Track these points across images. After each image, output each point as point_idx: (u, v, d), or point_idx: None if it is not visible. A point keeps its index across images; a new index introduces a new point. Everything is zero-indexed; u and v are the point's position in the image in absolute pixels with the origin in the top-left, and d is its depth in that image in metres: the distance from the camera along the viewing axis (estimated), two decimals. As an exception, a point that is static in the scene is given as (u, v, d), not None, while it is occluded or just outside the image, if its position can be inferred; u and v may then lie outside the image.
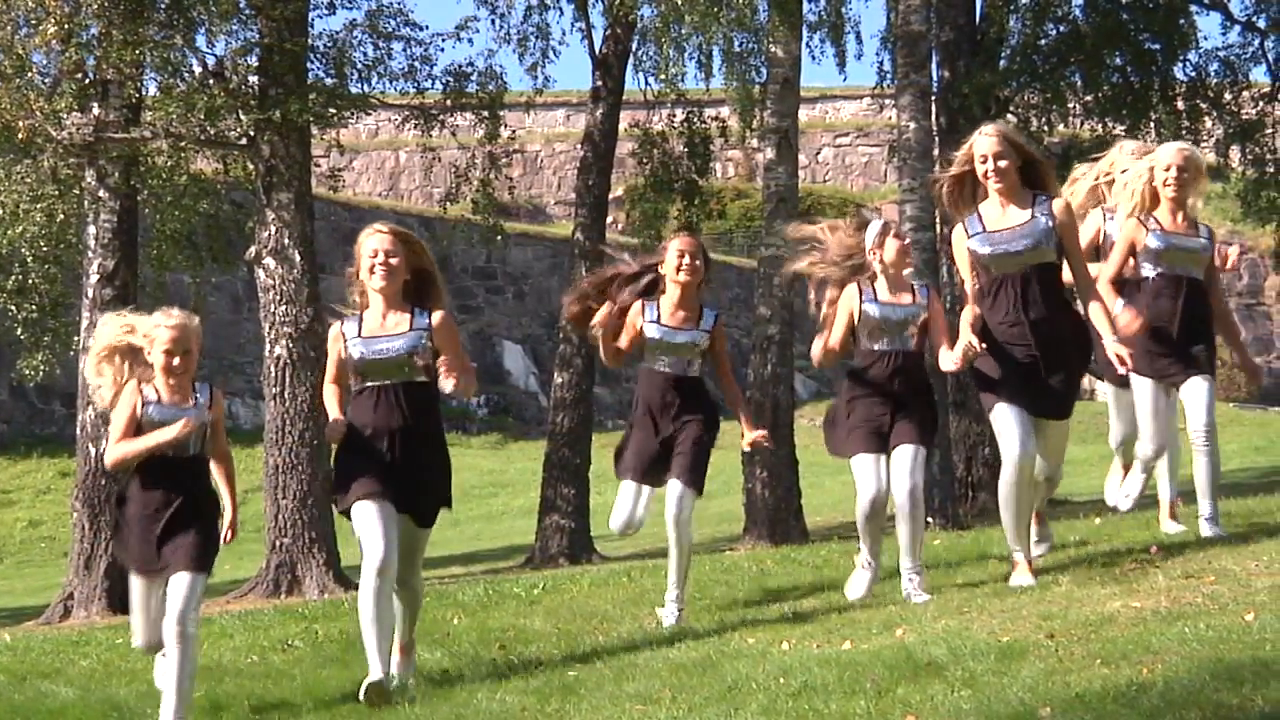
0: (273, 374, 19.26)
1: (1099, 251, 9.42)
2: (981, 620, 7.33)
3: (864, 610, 8.42)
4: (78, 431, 20.43)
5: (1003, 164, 8.30)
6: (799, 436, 21.79)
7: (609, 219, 25.63)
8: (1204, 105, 23.34)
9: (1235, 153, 24.11)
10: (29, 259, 20.42)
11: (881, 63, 24.35)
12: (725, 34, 21.32)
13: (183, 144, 19.69)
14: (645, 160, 24.00)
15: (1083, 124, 24.18)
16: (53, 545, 30.74)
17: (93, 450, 19.45)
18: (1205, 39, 48.01)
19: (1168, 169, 9.01)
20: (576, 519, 21.69)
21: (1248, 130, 23.54)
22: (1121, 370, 8.41)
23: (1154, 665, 5.90)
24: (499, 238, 23.28)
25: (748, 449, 9.23)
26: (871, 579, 8.91)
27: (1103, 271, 8.95)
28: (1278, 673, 5.45)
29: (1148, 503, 9.86)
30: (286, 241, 19.26)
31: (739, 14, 20.56)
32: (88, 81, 19.53)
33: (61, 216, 20.25)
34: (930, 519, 17.71)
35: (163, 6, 19.42)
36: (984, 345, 8.11)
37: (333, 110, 19.92)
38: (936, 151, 21.76)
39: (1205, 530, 8.90)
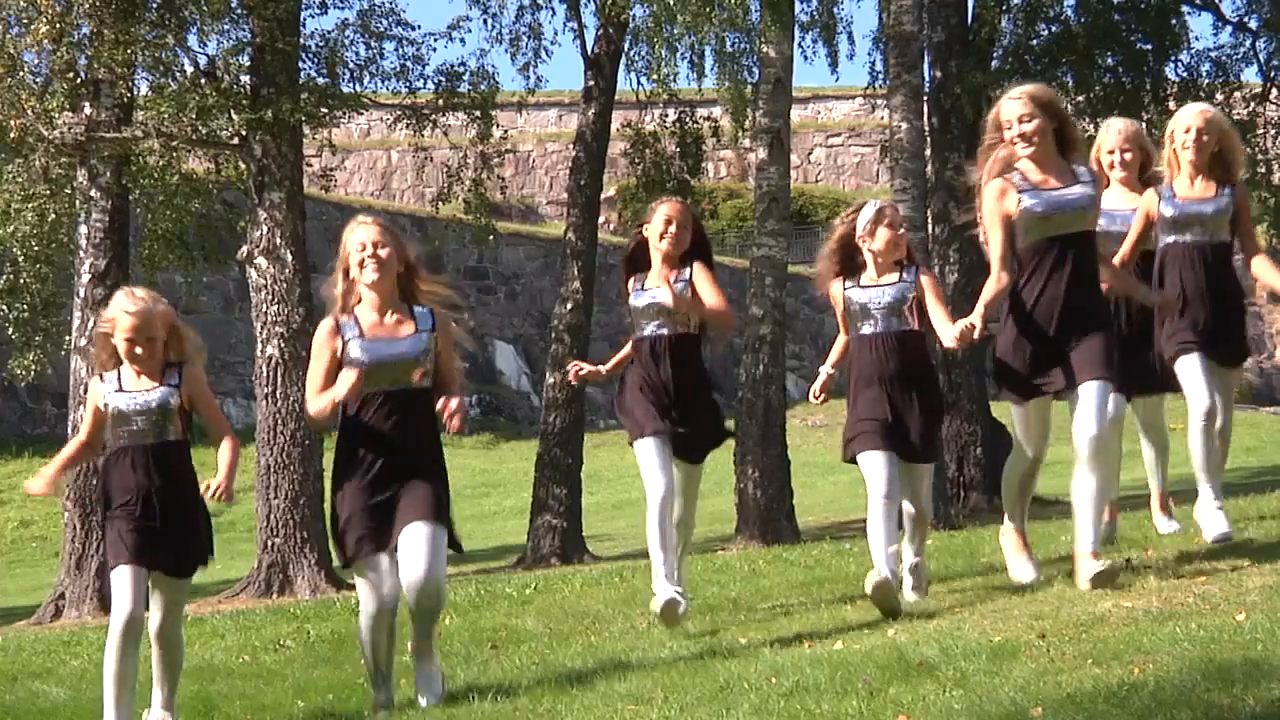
0: (264, 374, 19.26)
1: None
2: (973, 620, 7.34)
3: (856, 610, 8.42)
4: (69, 431, 20.39)
5: (1028, 127, 7.76)
6: (791, 437, 21.79)
7: (601, 219, 25.64)
8: (1196, 106, 23.32)
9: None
10: (20, 258, 20.38)
11: (873, 63, 24.42)
12: (717, 34, 21.33)
13: (174, 143, 19.67)
14: (637, 160, 24.01)
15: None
16: (44, 545, 30.68)
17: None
18: (1197, 39, 48.22)
19: (1186, 130, 8.51)
20: (568, 519, 21.68)
21: (1239, 131, 23.56)
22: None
23: (1145, 665, 5.90)
24: (491, 238, 23.30)
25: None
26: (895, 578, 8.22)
27: (1120, 250, 8.49)
28: (1269, 673, 5.45)
29: (1139, 503, 9.86)
30: (278, 241, 19.25)
31: (731, 14, 20.56)
32: (79, 81, 19.51)
33: (53, 216, 20.22)
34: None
35: (154, 6, 19.41)
36: (984, 328, 7.60)
37: (325, 110, 19.92)
38: (928, 152, 21.80)
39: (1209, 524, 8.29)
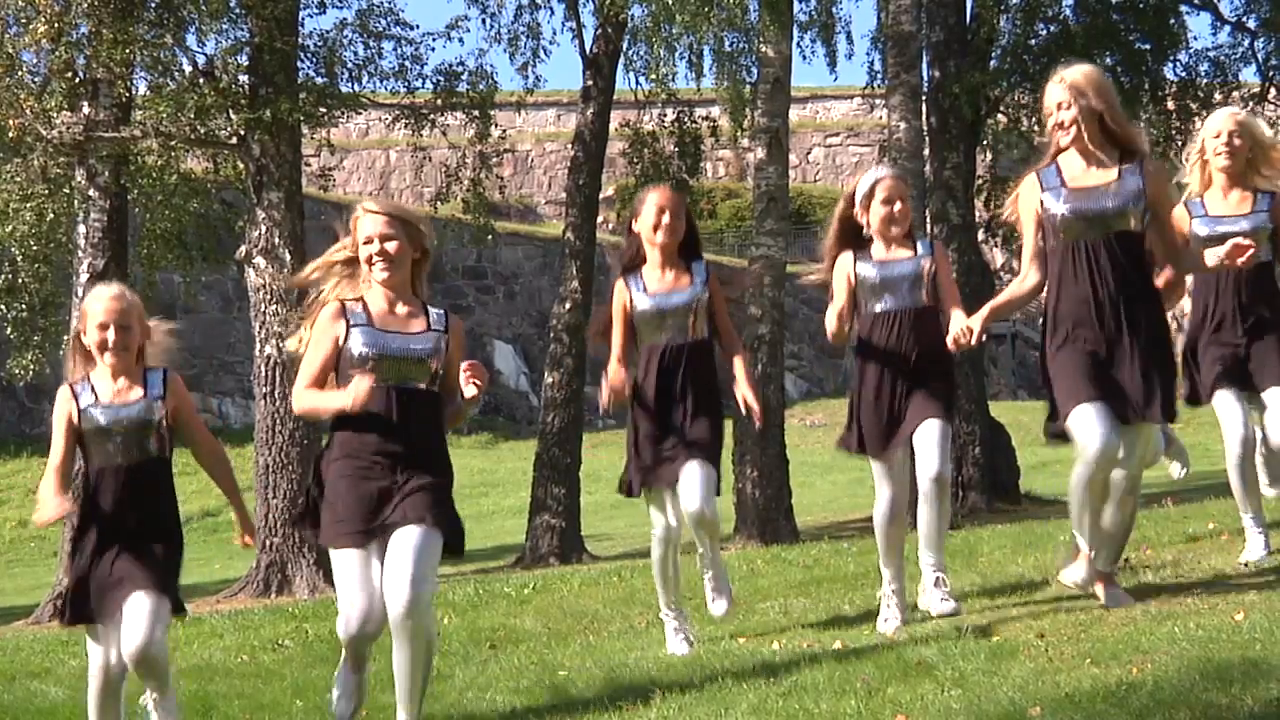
0: (263, 373, 19.27)
1: None
2: (971, 620, 7.34)
3: (854, 610, 8.42)
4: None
5: (1065, 115, 6.99)
6: (789, 436, 21.79)
7: (600, 219, 25.63)
8: (1194, 105, 23.35)
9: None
10: (19, 258, 20.39)
11: (872, 63, 24.41)
12: (716, 34, 21.33)
13: (173, 143, 19.67)
14: (636, 160, 24.00)
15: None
16: (42, 545, 30.67)
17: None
18: (1195, 39, 48.22)
19: (1217, 136, 7.98)
20: (567, 519, 21.68)
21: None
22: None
23: (1144, 665, 5.90)
24: (489, 237, 23.31)
25: (743, 408, 7.68)
26: (900, 603, 7.73)
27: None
28: (1267, 672, 5.45)
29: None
30: (277, 241, 19.26)
31: (729, 14, 20.56)
32: (78, 80, 19.51)
33: (51, 215, 20.22)
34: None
35: (153, 5, 19.41)
36: (983, 332, 7.00)
37: (323, 109, 19.93)
38: (927, 151, 21.79)
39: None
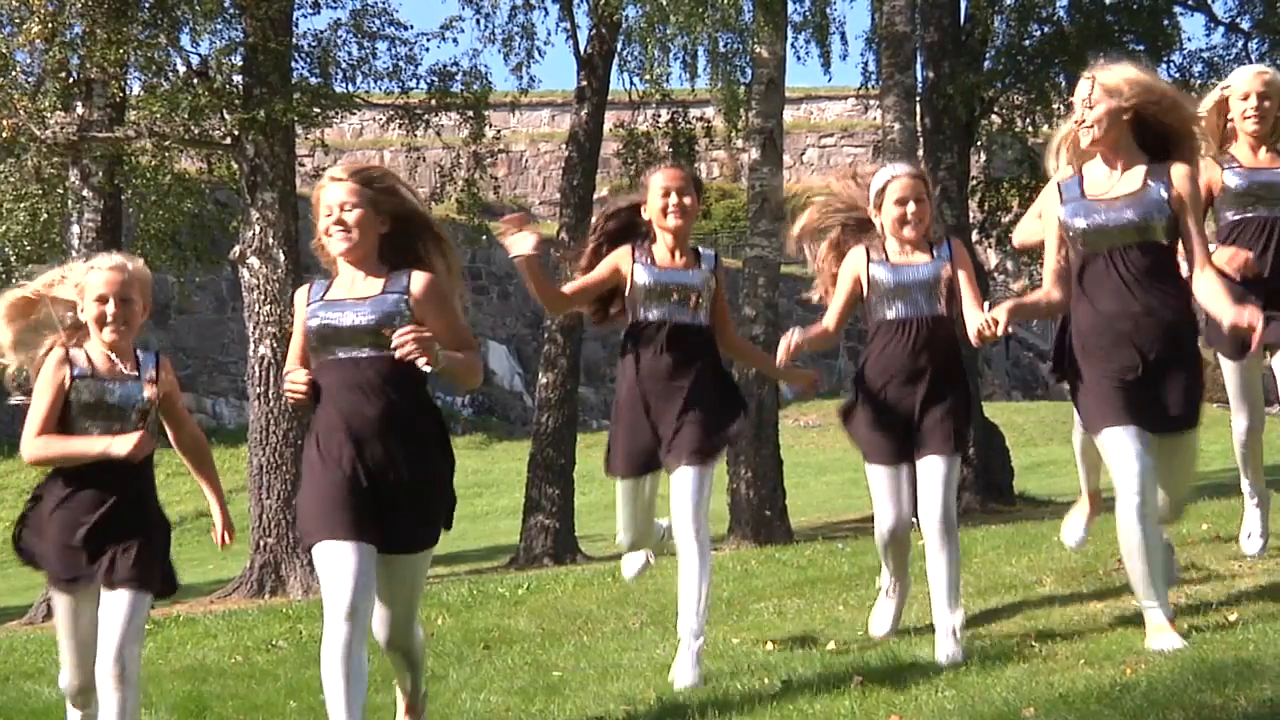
0: (257, 373, 19.26)
1: None
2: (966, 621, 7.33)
3: (848, 610, 8.42)
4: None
5: (1090, 114, 6.51)
6: (783, 437, 21.79)
7: (594, 219, 25.61)
8: (1188, 106, 23.33)
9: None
10: (12, 258, 20.36)
11: (866, 63, 24.38)
12: (710, 34, 21.32)
13: (167, 143, 19.66)
14: (630, 160, 24.00)
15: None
16: (36, 545, 30.65)
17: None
18: (1189, 40, 48.20)
19: (1245, 98, 7.43)
20: (561, 519, 21.68)
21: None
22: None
23: (1137, 665, 5.91)
24: (484, 238, 23.30)
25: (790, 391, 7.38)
26: (898, 606, 7.39)
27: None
28: (1260, 673, 5.45)
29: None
30: (271, 241, 19.24)
31: (724, 14, 20.56)
32: (72, 80, 19.51)
33: (45, 216, 20.22)
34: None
35: (147, 6, 19.40)
36: (1008, 330, 6.41)
37: (317, 110, 19.91)
38: (921, 152, 21.80)
39: None
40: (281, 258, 19.18)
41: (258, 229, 19.30)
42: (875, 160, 24.45)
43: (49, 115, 19.12)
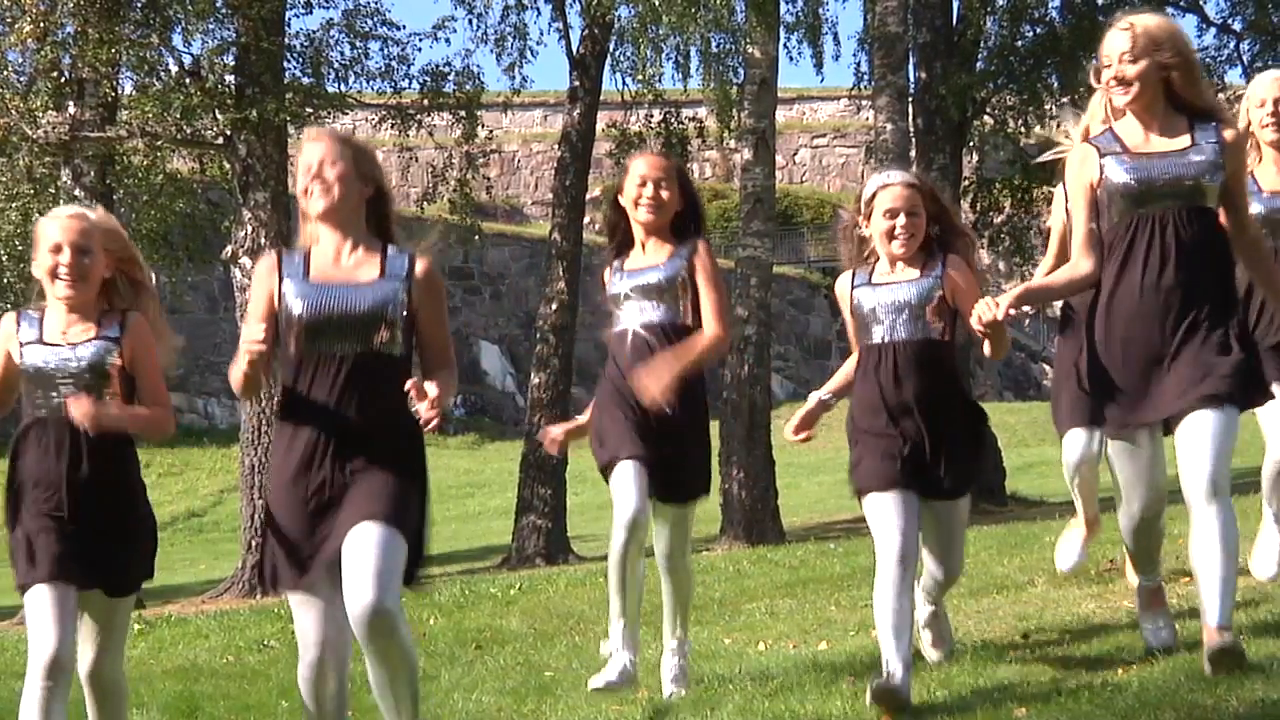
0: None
1: None
2: (957, 621, 7.33)
3: (840, 611, 8.42)
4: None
5: (1130, 69, 5.65)
6: (775, 437, 21.78)
7: (586, 219, 25.62)
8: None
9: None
10: (4, 257, 20.35)
11: (859, 64, 24.42)
12: (702, 34, 21.36)
13: (159, 143, 19.66)
14: (622, 160, 23.99)
15: (1059, 125, 24.24)
16: (27, 545, 30.62)
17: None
18: (1181, 41, 48.22)
19: (1262, 104, 6.76)
20: (553, 519, 21.68)
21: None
22: None
23: (1129, 666, 5.91)
24: (476, 238, 23.32)
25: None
26: (903, 681, 5.73)
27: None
28: (1251, 673, 5.45)
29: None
30: (263, 241, 19.24)
31: (716, 15, 20.58)
32: (64, 80, 19.50)
33: (37, 215, 20.13)
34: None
35: (139, 5, 19.41)
36: (1009, 312, 5.51)
37: (309, 110, 19.92)
38: (913, 153, 21.82)
39: None
40: (274, 258, 19.20)
41: (250, 229, 19.30)
42: (868, 160, 24.46)
43: (41, 115, 19.11)
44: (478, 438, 38.55)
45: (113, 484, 5.50)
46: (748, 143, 20.79)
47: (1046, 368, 43.60)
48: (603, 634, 6.63)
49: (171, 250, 22.12)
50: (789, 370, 43.14)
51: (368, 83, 20.74)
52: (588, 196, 23.92)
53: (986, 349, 5.77)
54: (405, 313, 5.34)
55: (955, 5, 23.07)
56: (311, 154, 5.33)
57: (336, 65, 20.34)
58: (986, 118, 23.48)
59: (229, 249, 19.67)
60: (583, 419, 6.73)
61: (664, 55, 22.19)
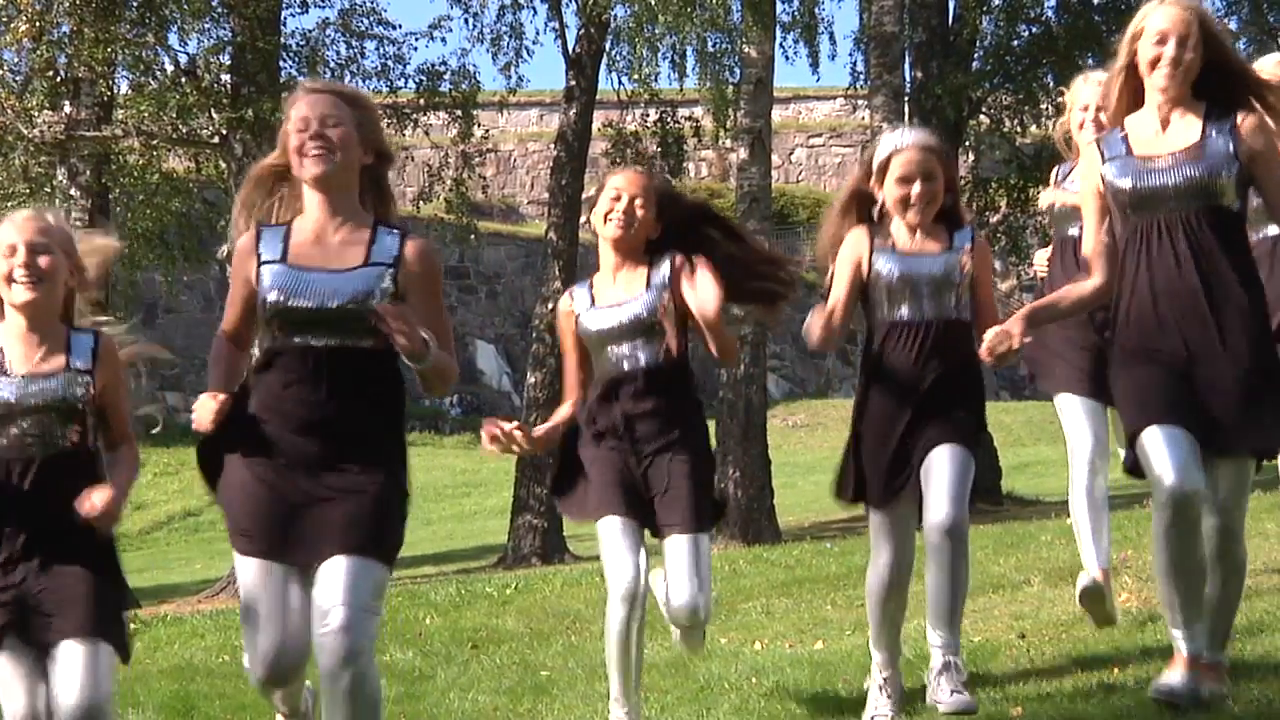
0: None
1: None
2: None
3: (836, 610, 8.42)
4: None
5: (1170, 52, 5.17)
6: (771, 436, 21.80)
7: (582, 219, 25.59)
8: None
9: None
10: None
11: (855, 63, 24.42)
12: (698, 34, 21.34)
13: (155, 142, 19.63)
14: (619, 160, 23.95)
15: (1055, 125, 24.25)
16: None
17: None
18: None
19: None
20: (549, 519, 21.64)
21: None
22: None
23: (1125, 665, 5.91)
24: (472, 237, 23.31)
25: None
26: (895, 701, 5.81)
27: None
28: (1247, 672, 5.46)
29: (1119, 504, 9.88)
30: (260, 240, 19.23)
31: (712, 14, 20.57)
32: (59, 79, 19.47)
33: (33, 214, 20.17)
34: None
35: (135, 5, 19.38)
36: (1028, 339, 5.24)
37: (305, 109, 19.89)
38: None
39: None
40: (269, 257, 19.19)
41: (246, 228, 19.30)
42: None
43: (36, 114, 19.09)
44: (473, 437, 38.38)
45: (74, 528, 4.78)
46: (744, 142, 20.78)
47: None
48: (599, 632, 6.54)
49: (167, 249, 22.09)
50: (785, 369, 43.13)
51: (363, 82, 20.70)
52: (584, 196, 23.87)
53: (984, 353, 5.29)
54: (388, 298, 4.73)
55: (951, 5, 23.07)
56: (314, 107, 4.84)
57: (332, 64, 20.31)
58: (982, 117, 23.46)
59: (224, 248, 19.53)
60: (539, 430, 6.13)
61: (660, 55, 22.17)
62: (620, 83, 23.31)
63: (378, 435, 4.78)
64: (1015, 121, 23.38)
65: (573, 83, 22.78)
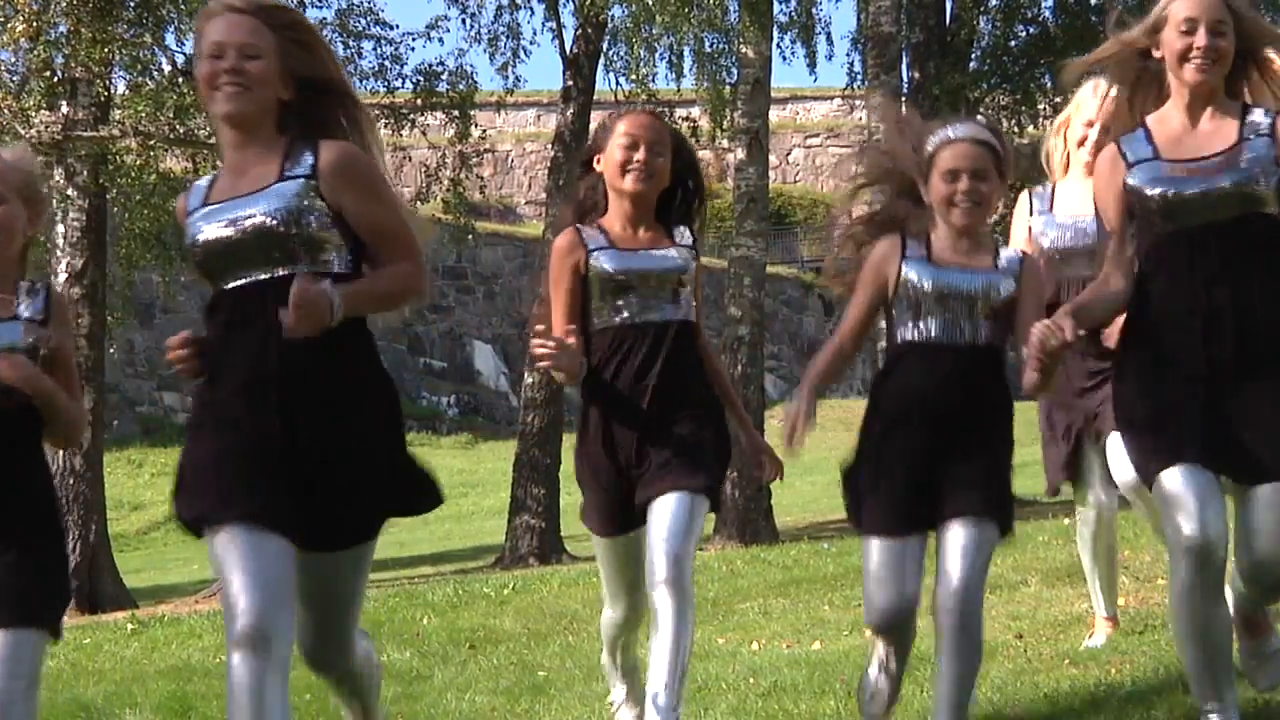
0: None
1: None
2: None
3: (833, 610, 8.43)
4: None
5: (1204, 41, 4.65)
6: (769, 438, 21.76)
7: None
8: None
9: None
10: None
11: (852, 64, 24.44)
12: (696, 34, 21.37)
13: (152, 142, 19.62)
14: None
15: (1045, 136, 24.27)
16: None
17: (61, 449, 19.36)
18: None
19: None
20: (546, 519, 21.68)
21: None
22: None
23: (1121, 666, 5.91)
24: (469, 237, 23.32)
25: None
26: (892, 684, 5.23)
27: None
28: (1244, 674, 5.46)
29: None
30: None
31: (709, 14, 20.59)
32: (56, 79, 19.47)
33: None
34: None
35: (132, 5, 19.38)
36: (1073, 337, 4.53)
37: (302, 109, 19.91)
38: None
39: None
40: (267, 257, 19.19)
41: (243, 228, 19.31)
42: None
43: (33, 114, 19.08)
44: (471, 437, 38.53)
45: (11, 496, 4.49)
46: (741, 142, 20.78)
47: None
48: (597, 632, 6.51)
49: (164, 249, 22.07)
50: (782, 370, 43.13)
51: (361, 82, 20.70)
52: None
53: (1031, 379, 4.61)
54: (321, 215, 4.26)
55: (948, 5, 23.10)
56: (231, 32, 4.35)
57: (330, 65, 20.35)
58: (980, 117, 23.50)
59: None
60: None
61: (657, 55, 22.22)
62: (617, 83, 23.34)
63: (355, 378, 4.35)
64: (1013, 122, 23.40)
65: (570, 83, 22.80)
